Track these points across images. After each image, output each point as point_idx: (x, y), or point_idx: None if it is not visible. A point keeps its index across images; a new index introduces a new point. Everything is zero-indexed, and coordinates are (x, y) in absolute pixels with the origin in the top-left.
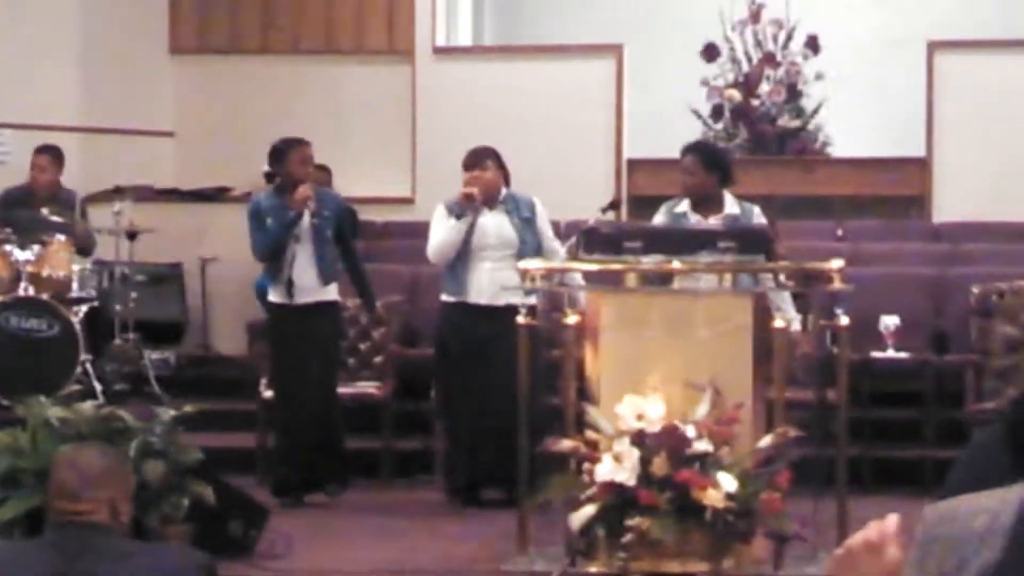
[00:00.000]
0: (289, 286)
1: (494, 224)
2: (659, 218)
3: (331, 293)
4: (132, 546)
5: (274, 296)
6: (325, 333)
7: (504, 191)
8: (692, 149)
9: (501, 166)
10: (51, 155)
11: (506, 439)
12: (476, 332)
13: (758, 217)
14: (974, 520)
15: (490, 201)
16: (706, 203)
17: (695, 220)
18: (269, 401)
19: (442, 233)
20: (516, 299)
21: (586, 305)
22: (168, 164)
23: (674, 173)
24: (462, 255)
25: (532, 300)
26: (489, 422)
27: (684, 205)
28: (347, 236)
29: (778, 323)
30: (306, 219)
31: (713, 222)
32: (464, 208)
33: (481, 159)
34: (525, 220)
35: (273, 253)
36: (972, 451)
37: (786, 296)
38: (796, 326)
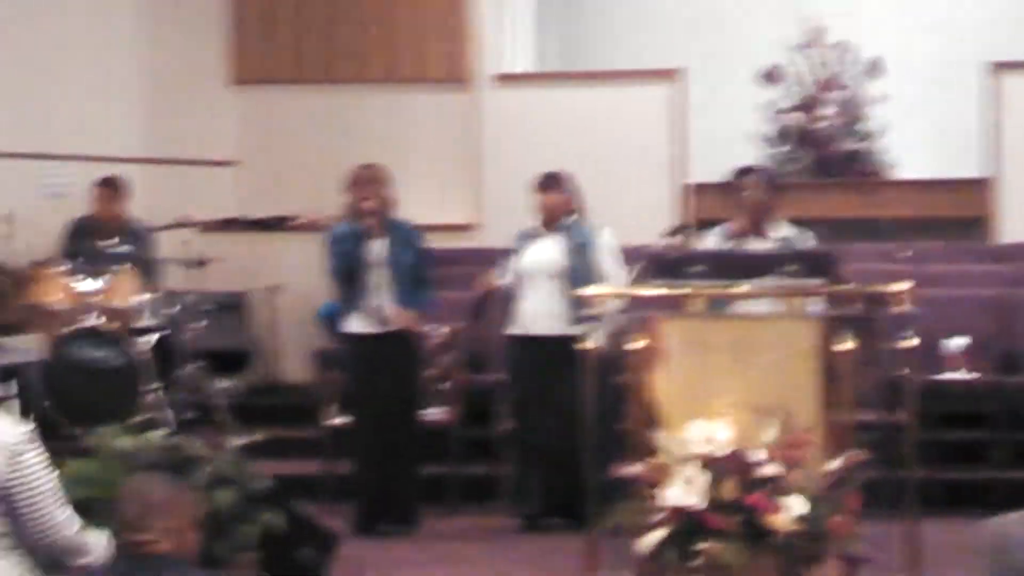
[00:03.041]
0: (379, 312)
1: (547, 250)
2: (711, 241)
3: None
4: (199, 575)
5: (353, 325)
6: (405, 361)
7: (573, 217)
8: (750, 170)
9: (574, 191)
10: (110, 187)
11: (572, 466)
12: (534, 363)
13: (810, 241)
14: None
15: (552, 224)
16: (760, 225)
17: (751, 242)
18: (337, 428)
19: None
20: (567, 329)
21: (651, 330)
22: (232, 193)
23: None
24: (515, 282)
25: (580, 328)
26: (555, 451)
27: (737, 228)
28: (419, 264)
29: (845, 345)
30: (384, 248)
31: (768, 244)
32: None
33: (551, 184)
34: (579, 246)
35: (348, 277)
36: None
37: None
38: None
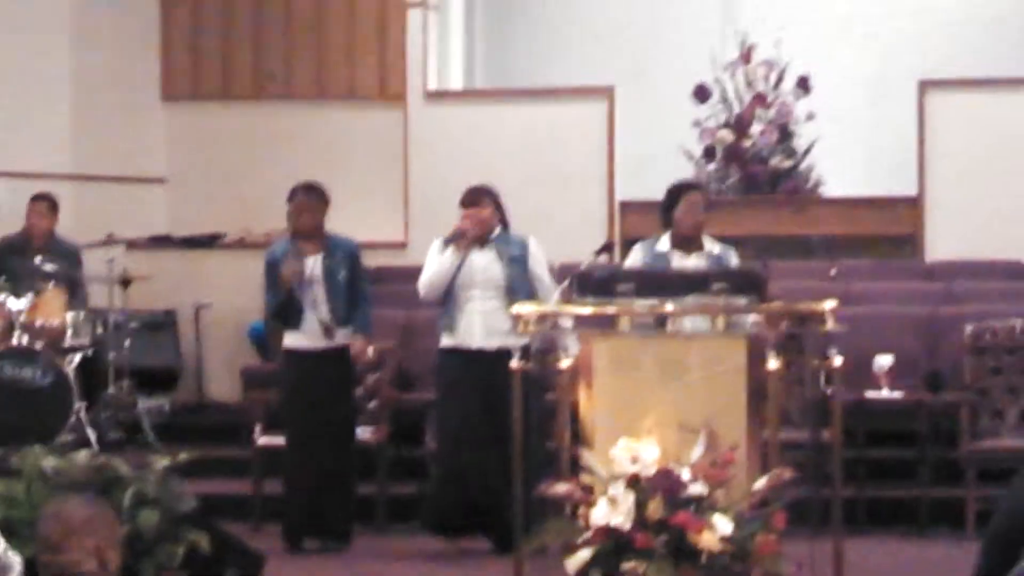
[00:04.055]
0: (327, 329)
1: (482, 263)
2: (636, 256)
3: (345, 336)
4: None
5: (291, 341)
6: (340, 377)
7: (498, 230)
8: (695, 187)
9: (499, 206)
10: (48, 203)
11: (500, 484)
12: (471, 379)
13: (735, 258)
14: None
15: (483, 239)
16: (689, 241)
17: (677, 259)
18: (265, 448)
19: (433, 266)
20: (509, 341)
21: (580, 348)
22: (160, 211)
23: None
24: (451, 294)
25: (523, 342)
26: (481, 467)
27: (664, 243)
28: (356, 280)
29: (772, 364)
30: (318, 264)
31: (695, 261)
32: (456, 241)
33: (479, 197)
34: (514, 259)
35: (285, 304)
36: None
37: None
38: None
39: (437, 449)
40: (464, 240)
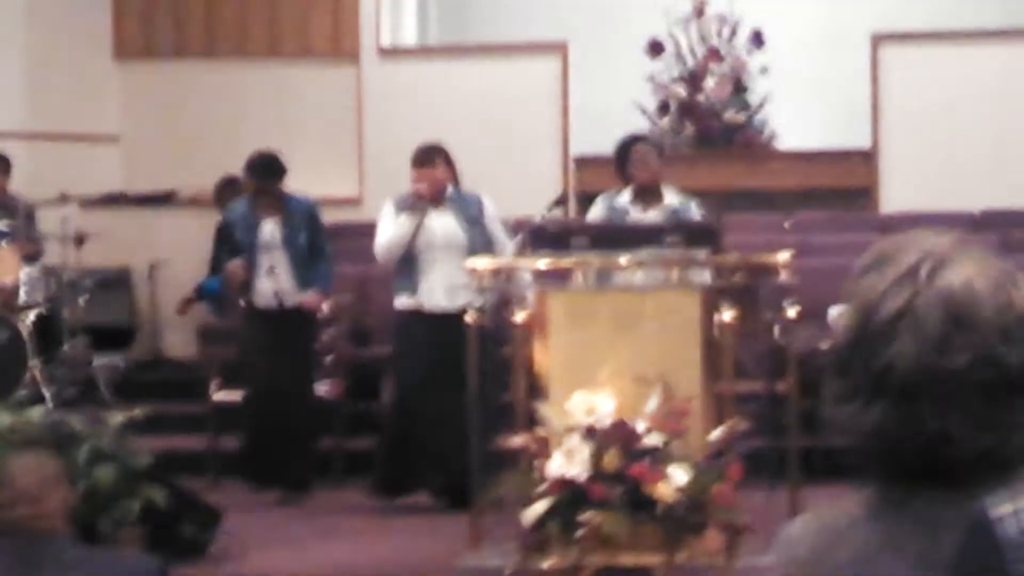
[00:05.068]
0: (278, 297)
1: (441, 224)
2: (597, 211)
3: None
4: (85, 552)
5: (254, 299)
6: (303, 336)
7: (451, 189)
8: (642, 139)
9: (450, 164)
10: (1, 162)
11: (455, 442)
12: (432, 340)
13: (696, 209)
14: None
15: (438, 200)
16: (648, 195)
17: (636, 213)
18: (221, 404)
19: (390, 230)
20: (472, 301)
21: (535, 302)
22: (114, 169)
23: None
24: (410, 257)
25: (478, 302)
26: (440, 426)
27: (624, 197)
28: (316, 239)
29: (726, 316)
30: (277, 228)
31: (654, 214)
32: (412, 205)
33: (431, 157)
34: (472, 219)
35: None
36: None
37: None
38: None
39: (392, 410)
40: (421, 204)
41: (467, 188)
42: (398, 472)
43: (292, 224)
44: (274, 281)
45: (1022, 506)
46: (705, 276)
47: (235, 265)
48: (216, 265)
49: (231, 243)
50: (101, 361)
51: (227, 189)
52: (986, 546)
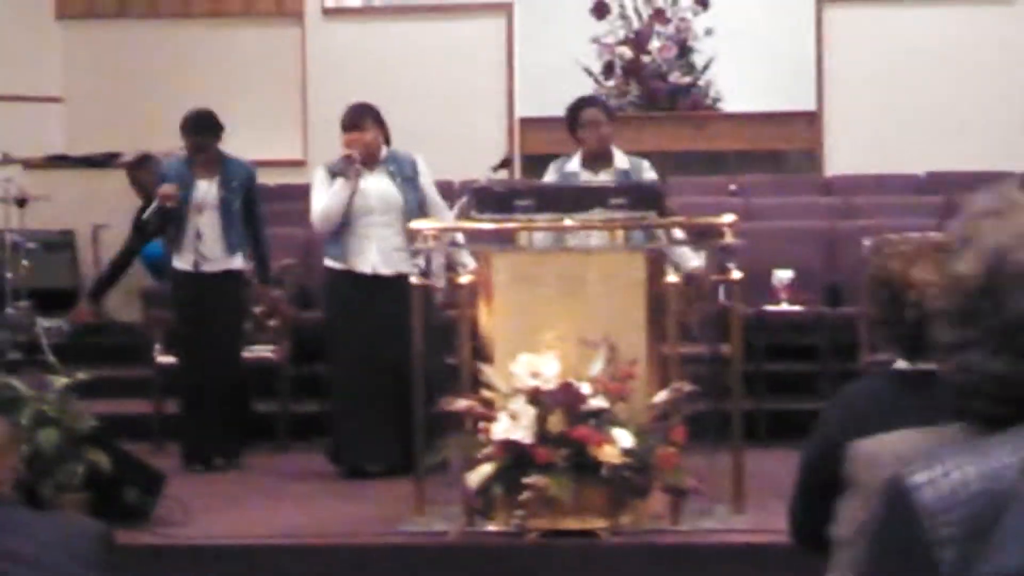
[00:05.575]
0: (197, 258)
1: (376, 186)
2: (549, 177)
3: (236, 262)
4: (29, 516)
5: (179, 263)
6: (230, 301)
7: (385, 150)
8: (592, 102)
9: (381, 124)
10: None
11: (401, 404)
12: (365, 302)
13: (648, 171)
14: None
15: (371, 162)
16: (598, 158)
17: (587, 176)
18: (165, 367)
19: (325, 198)
20: (404, 267)
21: (479, 265)
22: (57, 130)
23: (565, 131)
24: (345, 221)
25: (420, 265)
26: (377, 391)
27: (575, 162)
28: (253, 203)
29: (671, 278)
30: (213, 189)
31: (604, 177)
32: (345, 170)
33: (360, 119)
34: (407, 180)
35: (174, 221)
36: (854, 395)
37: (684, 251)
38: (697, 263)
39: (336, 378)
40: (354, 169)
41: (400, 149)
42: (348, 439)
43: (229, 186)
44: (200, 244)
45: None
46: (651, 238)
47: (170, 187)
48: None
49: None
50: (44, 324)
51: (141, 166)
52: None
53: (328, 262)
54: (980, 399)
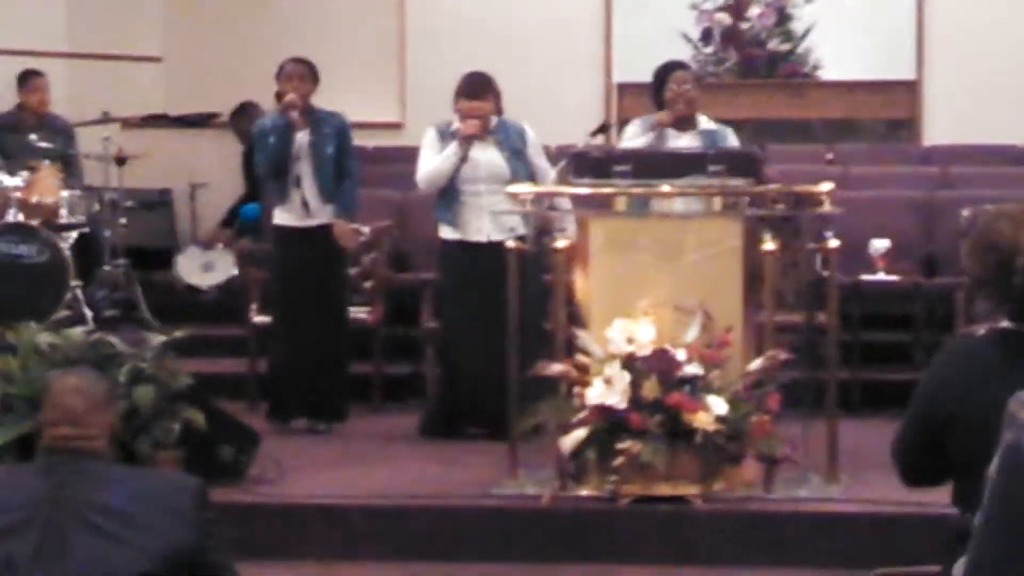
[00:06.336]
0: (304, 205)
1: (485, 158)
2: (635, 131)
3: (329, 216)
4: (124, 471)
5: (279, 218)
6: (330, 254)
7: (495, 120)
8: (680, 66)
9: (497, 94)
10: (39, 78)
11: (499, 372)
12: (479, 269)
13: (731, 137)
14: None
15: (483, 132)
16: (683, 121)
17: (671, 137)
18: (260, 326)
19: (435, 162)
20: (519, 230)
21: (576, 229)
22: (156, 90)
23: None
24: (453, 189)
25: (515, 229)
26: (485, 356)
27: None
28: (344, 155)
29: (768, 246)
30: (306, 137)
31: (689, 140)
32: (461, 142)
33: (481, 88)
34: (516, 151)
35: (275, 168)
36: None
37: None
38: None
39: (443, 347)
40: (465, 148)
41: (509, 118)
42: (449, 410)
43: (320, 134)
44: (301, 191)
45: None
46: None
47: (291, 97)
48: (251, 189)
49: (264, 150)
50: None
51: (242, 114)
52: None
53: (442, 232)
54: None
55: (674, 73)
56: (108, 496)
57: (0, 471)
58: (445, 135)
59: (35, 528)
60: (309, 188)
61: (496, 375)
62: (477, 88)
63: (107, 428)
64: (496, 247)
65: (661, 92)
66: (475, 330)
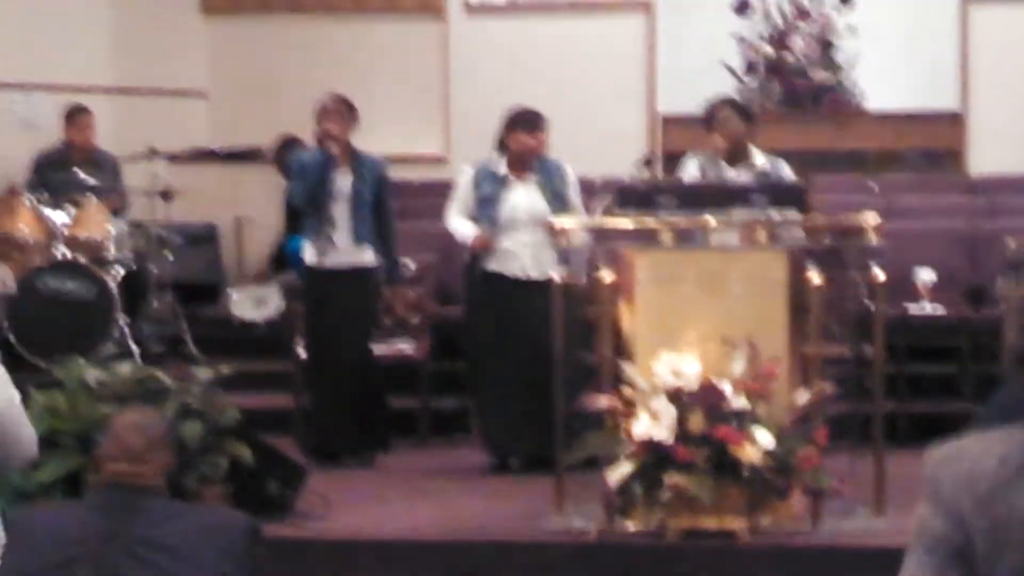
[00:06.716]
0: (327, 247)
1: (526, 199)
2: (689, 165)
3: (366, 257)
4: (178, 507)
5: (309, 257)
6: (358, 297)
7: (538, 159)
8: (725, 103)
9: (546, 131)
10: (86, 115)
11: (544, 400)
12: (514, 302)
13: (785, 169)
14: (982, 462)
15: (526, 166)
16: (736, 155)
17: (726, 170)
18: (304, 362)
19: (459, 229)
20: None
21: (621, 263)
22: (201, 125)
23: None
24: (493, 228)
25: (561, 262)
26: (528, 386)
27: (714, 157)
28: (383, 199)
29: (814, 278)
30: (347, 179)
31: (742, 173)
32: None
33: (541, 123)
34: (557, 194)
35: (307, 200)
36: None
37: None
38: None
39: (481, 373)
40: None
41: (550, 156)
42: (498, 432)
43: (361, 176)
44: (332, 231)
45: None
46: (792, 237)
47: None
48: (292, 223)
49: (301, 181)
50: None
51: (286, 150)
52: None
53: (484, 265)
54: None
55: (720, 112)
56: (161, 532)
57: (52, 507)
58: (482, 180)
59: (88, 564)
60: (343, 230)
61: (534, 409)
62: (536, 122)
63: (164, 466)
64: (535, 284)
65: (711, 127)
66: (511, 363)
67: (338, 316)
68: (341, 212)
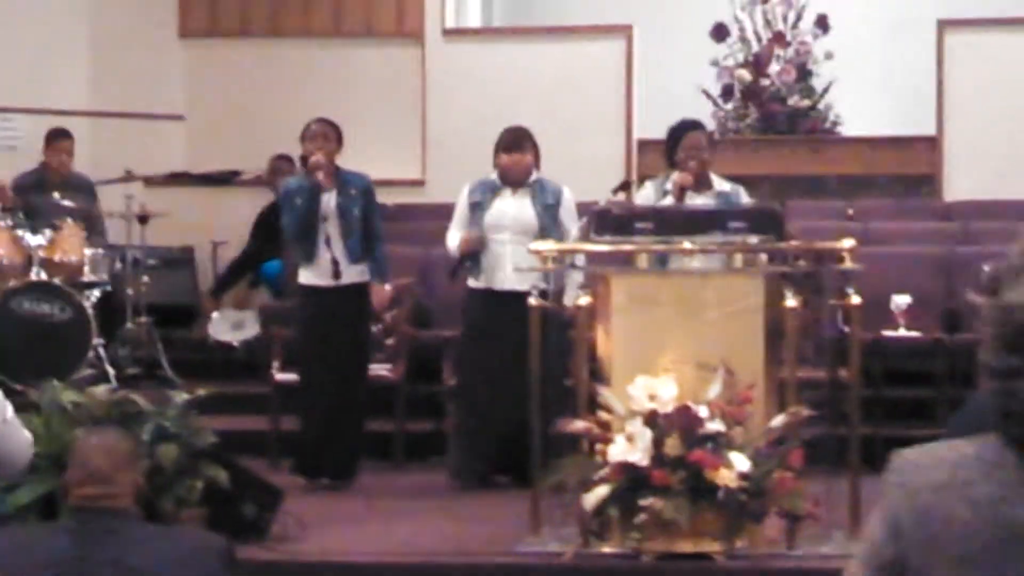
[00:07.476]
0: (335, 266)
1: (515, 207)
2: (647, 193)
3: (360, 274)
4: (151, 530)
5: (305, 278)
6: (355, 315)
7: (535, 175)
8: (696, 126)
9: (535, 148)
10: (66, 139)
11: (520, 422)
12: (501, 318)
13: (744, 196)
14: (933, 472)
15: (519, 183)
16: (697, 182)
17: (686, 197)
18: (283, 383)
19: (450, 242)
20: (540, 284)
21: (598, 286)
22: (178, 148)
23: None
24: (482, 230)
25: (539, 286)
26: (505, 406)
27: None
28: (370, 216)
29: (790, 303)
30: (332, 198)
31: (703, 200)
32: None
33: (521, 142)
34: (548, 207)
35: (303, 229)
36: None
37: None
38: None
39: (460, 392)
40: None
41: (550, 177)
42: (472, 456)
43: (347, 195)
44: (330, 252)
45: None
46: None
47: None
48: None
49: (291, 212)
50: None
51: (280, 167)
52: None
53: (469, 281)
54: (1020, 426)
55: (687, 135)
56: (135, 556)
57: (24, 530)
58: (475, 190)
59: None
60: (338, 249)
61: (520, 424)
62: (515, 140)
63: (133, 486)
64: (518, 296)
65: (674, 151)
66: (498, 378)
67: (336, 337)
68: (333, 232)
